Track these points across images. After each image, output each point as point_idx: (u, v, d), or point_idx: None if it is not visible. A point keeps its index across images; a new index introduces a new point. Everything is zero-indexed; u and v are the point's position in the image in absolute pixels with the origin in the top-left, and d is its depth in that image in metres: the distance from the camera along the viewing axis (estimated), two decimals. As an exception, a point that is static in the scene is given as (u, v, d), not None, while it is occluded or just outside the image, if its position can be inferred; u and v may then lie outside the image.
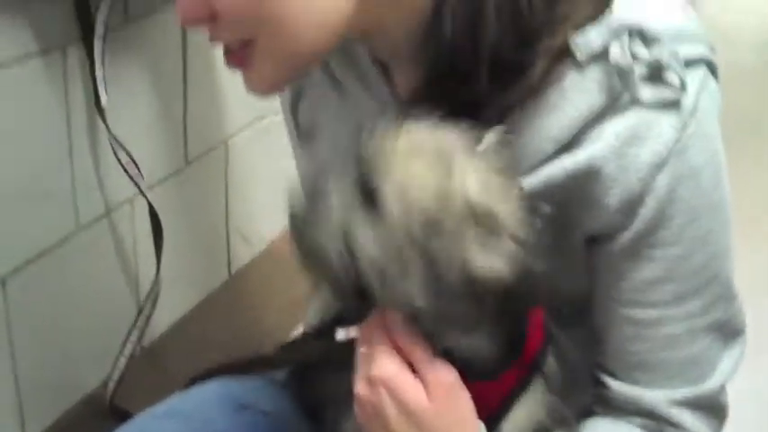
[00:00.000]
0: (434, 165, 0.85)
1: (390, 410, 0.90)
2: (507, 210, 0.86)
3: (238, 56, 0.96)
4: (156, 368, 1.76)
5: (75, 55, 1.46)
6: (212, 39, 0.97)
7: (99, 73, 1.45)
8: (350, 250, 0.84)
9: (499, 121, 0.95)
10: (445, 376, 0.90)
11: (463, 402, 0.91)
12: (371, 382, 0.91)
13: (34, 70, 1.40)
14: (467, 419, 0.91)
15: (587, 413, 1.04)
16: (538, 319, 0.95)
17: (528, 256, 0.85)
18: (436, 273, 0.84)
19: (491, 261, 0.84)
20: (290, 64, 0.97)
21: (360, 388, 0.92)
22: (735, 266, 1.02)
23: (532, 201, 0.89)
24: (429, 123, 0.88)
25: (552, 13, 0.94)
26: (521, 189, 0.89)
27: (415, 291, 0.84)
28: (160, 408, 1.15)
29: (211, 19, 0.94)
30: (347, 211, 0.86)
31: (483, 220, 0.84)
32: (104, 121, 1.49)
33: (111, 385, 1.66)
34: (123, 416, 1.62)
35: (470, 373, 0.90)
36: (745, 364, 1.06)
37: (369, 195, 0.85)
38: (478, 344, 0.90)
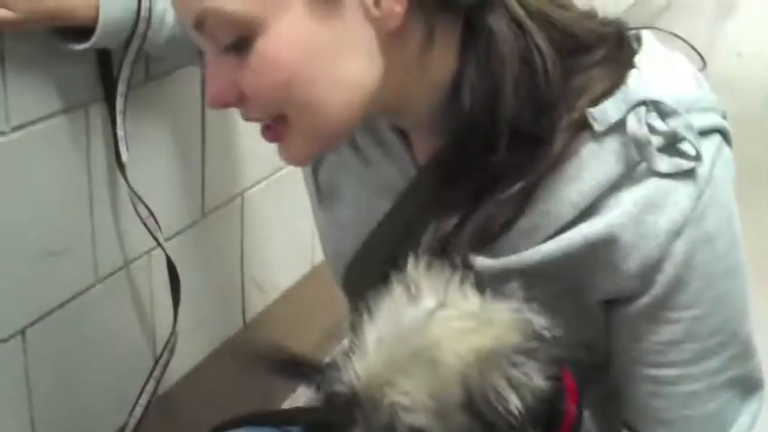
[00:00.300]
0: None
1: None
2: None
3: (273, 130, 1.00)
4: (171, 416, 1.79)
5: (97, 113, 1.50)
6: (245, 118, 1.01)
7: (120, 131, 1.49)
8: None
9: (521, 192, 0.99)
10: None
11: None
12: None
13: (58, 128, 1.44)
14: None
15: None
16: (571, 388, 0.96)
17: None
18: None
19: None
20: (321, 139, 1.01)
21: None
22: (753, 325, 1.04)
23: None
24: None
25: (568, 86, 0.98)
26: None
27: None
28: None
29: (240, 101, 0.98)
30: None
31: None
32: (125, 176, 1.53)
33: (127, 433, 1.68)
34: (138, 464, 1.65)
35: None
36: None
37: None
38: None
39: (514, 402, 0.85)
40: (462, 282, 0.92)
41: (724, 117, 1.03)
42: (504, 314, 0.89)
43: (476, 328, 0.87)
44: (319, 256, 2.27)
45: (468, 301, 0.90)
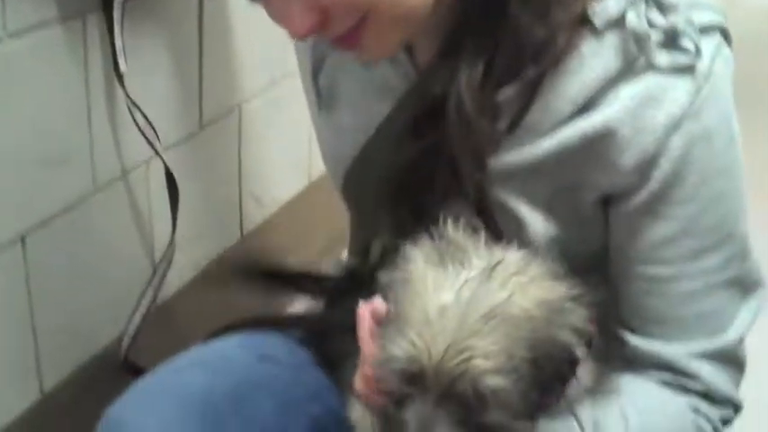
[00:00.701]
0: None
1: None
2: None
3: (351, 36, 0.99)
4: (169, 326, 1.81)
5: (94, 23, 1.49)
6: (323, 37, 1.00)
7: (118, 41, 1.49)
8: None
9: (525, 87, 0.99)
10: None
11: None
12: (367, 380, 0.95)
13: (55, 37, 1.43)
14: None
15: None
16: None
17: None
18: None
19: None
20: (408, 23, 1.00)
21: (358, 385, 0.97)
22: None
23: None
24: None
25: None
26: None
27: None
28: (182, 359, 1.19)
29: (321, 23, 0.97)
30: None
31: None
32: (123, 86, 1.53)
33: (126, 341, 1.71)
34: (136, 371, 1.67)
35: None
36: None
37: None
38: None
39: (577, 347, 0.88)
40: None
41: (725, 18, 1.03)
42: (547, 266, 0.91)
43: (531, 282, 0.89)
44: (317, 170, 2.29)
45: (511, 255, 0.92)
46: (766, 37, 4.20)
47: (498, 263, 0.89)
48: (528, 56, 0.99)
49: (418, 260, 0.91)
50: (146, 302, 1.71)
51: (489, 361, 0.84)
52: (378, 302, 0.96)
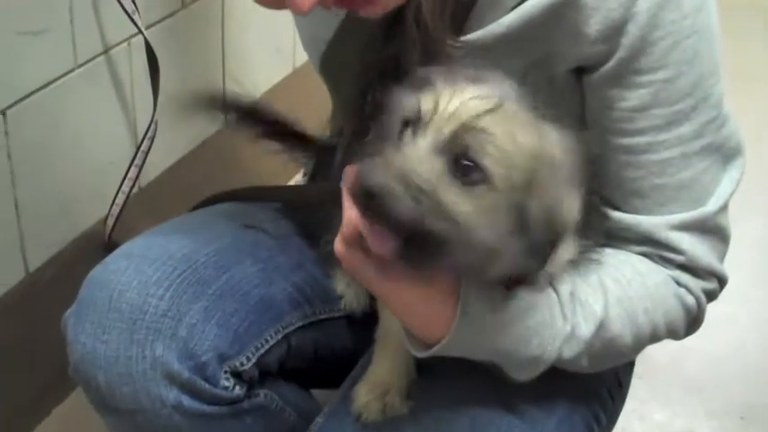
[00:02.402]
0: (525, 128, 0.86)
1: (367, 267, 0.93)
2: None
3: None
4: (152, 208, 1.79)
5: None
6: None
7: None
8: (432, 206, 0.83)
9: None
10: None
11: None
12: (346, 240, 0.93)
13: None
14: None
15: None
16: None
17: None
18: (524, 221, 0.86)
19: (574, 205, 0.88)
20: None
21: (338, 247, 0.95)
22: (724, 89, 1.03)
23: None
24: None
25: None
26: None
27: (494, 238, 0.85)
28: (166, 225, 1.19)
29: None
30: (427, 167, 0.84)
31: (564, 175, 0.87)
32: (102, -46, 1.49)
33: (110, 222, 1.70)
34: (121, 252, 1.67)
35: None
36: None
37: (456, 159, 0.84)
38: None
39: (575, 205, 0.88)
40: None
41: None
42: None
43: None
44: (301, 59, 2.25)
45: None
46: None
47: None
48: None
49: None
50: (129, 182, 1.70)
51: (492, 143, 0.83)
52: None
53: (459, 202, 0.83)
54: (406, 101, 0.87)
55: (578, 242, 0.99)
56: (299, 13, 0.92)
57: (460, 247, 0.85)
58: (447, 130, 0.83)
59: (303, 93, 1.77)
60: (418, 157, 0.83)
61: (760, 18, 3.54)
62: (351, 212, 0.90)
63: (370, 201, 0.82)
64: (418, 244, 0.84)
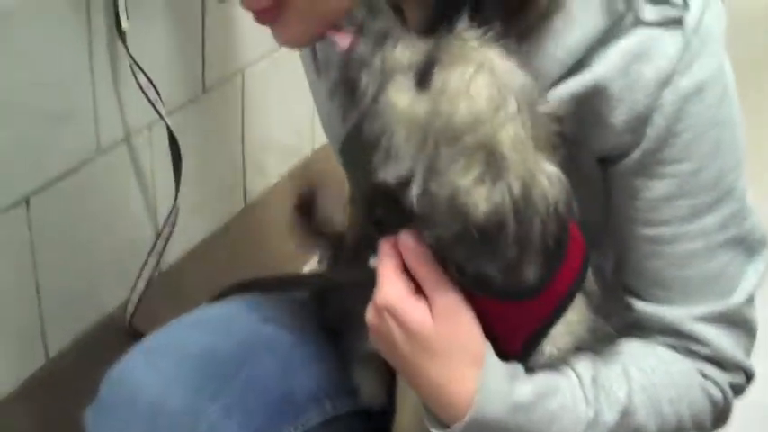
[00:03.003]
0: (492, 93, 0.87)
1: (396, 334, 0.94)
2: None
3: (270, 13, 0.99)
4: (172, 292, 1.80)
5: (96, -20, 1.48)
6: (246, 5, 1.00)
7: (121, -2, 1.47)
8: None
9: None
10: (449, 298, 0.93)
11: (466, 324, 0.94)
12: (378, 308, 0.95)
13: (57, -6, 1.42)
14: (470, 340, 0.94)
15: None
16: (577, 239, 0.96)
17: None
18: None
19: (480, 197, 0.86)
20: (321, 18, 0.99)
21: (369, 315, 0.96)
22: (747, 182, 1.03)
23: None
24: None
25: None
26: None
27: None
28: (185, 319, 1.19)
29: None
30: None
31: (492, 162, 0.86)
32: (125, 44, 1.51)
33: (130, 307, 1.70)
34: (141, 337, 1.66)
35: (506, 294, 0.93)
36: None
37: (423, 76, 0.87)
38: (510, 267, 0.91)
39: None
40: None
41: None
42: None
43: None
44: (320, 140, 2.28)
45: None
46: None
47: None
48: (512, 18, 0.96)
49: None
50: (150, 268, 1.70)
51: None
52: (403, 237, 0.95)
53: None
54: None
55: (592, 318, 0.99)
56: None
57: None
58: None
59: (322, 174, 1.78)
60: None
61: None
62: (385, 284, 0.92)
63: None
64: None
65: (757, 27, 3.83)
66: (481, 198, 0.85)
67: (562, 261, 0.94)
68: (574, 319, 0.97)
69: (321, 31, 1.01)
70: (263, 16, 1.01)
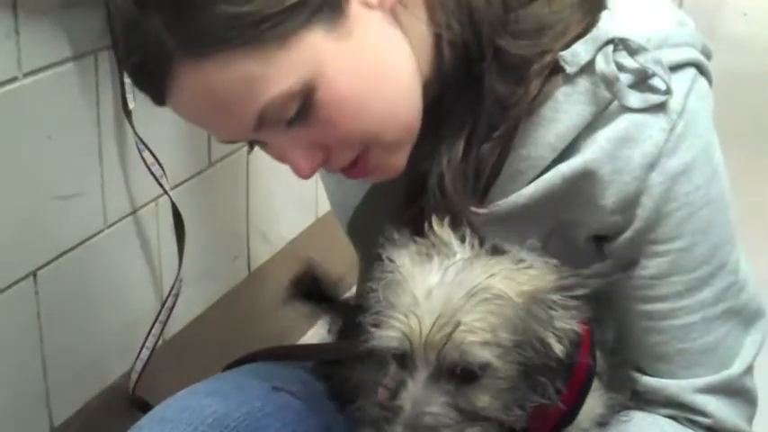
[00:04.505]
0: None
1: None
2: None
3: (362, 165, 1.03)
4: (176, 362, 1.82)
5: (105, 60, 1.52)
6: (335, 168, 1.03)
7: (127, 79, 1.51)
8: None
9: (502, 137, 1.01)
10: None
11: None
12: None
13: (68, 74, 1.46)
14: None
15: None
16: (584, 336, 0.98)
17: None
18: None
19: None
20: (409, 138, 1.03)
21: None
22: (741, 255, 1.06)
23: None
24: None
25: (541, 30, 1.01)
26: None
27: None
28: (200, 387, 1.20)
29: (325, 158, 1.00)
30: None
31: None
32: (131, 123, 1.55)
33: (134, 376, 1.72)
34: (144, 406, 1.68)
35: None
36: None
37: None
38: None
39: (556, 344, 0.90)
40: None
41: (705, 52, 1.05)
42: (537, 260, 0.92)
43: (516, 271, 0.91)
44: (323, 208, 2.30)
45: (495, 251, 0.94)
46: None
47: (477, 254, 0.92)
48: (505, 112, 1.02)
49: (404, 259, 0.93)
50: (153, 338, 1.72)
51: (475, 334, 0.86)
52: None
53: (478, 400, 0.88)
54: (386, 337, 0.90)
55: (608, 396, 1.02)
56: (301, 177, 0.99)
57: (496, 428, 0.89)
58: (432, 355, 0.87)
59: (326, 241, 1.80)
60: (424, 397, 0.88)
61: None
62: None
63: None
64: None
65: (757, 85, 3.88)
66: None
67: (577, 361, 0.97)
68: (593, 402, 1.00)
69: (410, 147, 1.05)
70: (356, 172, 1.04)
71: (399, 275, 0.92)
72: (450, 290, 0.87)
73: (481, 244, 0.94)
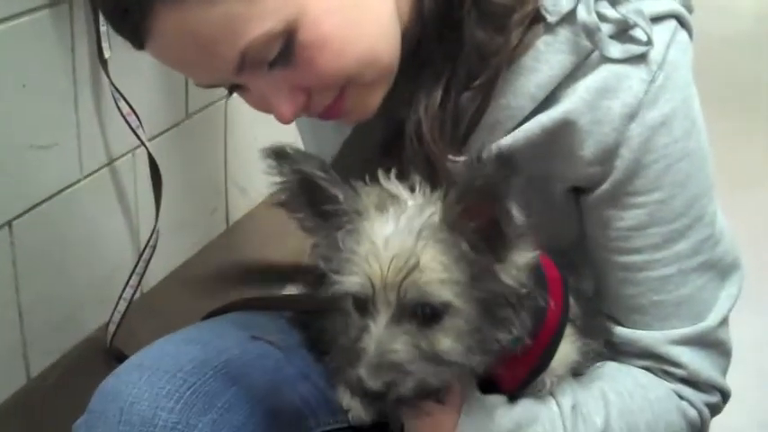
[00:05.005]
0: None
1: None
2: None
3: (336, 106, 1.02)
4: (153, 314, 1.82)
5: (80, 7, 1.50)
6: (316, 114, 1.02)
7: (103, 26, 1.49)
8: None
9: (483, 86, 1.01)
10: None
11: None
12: None
13: (42, 22, 1.44)
14: None
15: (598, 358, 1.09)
16: (554, 277, 1.00)
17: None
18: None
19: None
20: (385, 81, 1.02)
21: None
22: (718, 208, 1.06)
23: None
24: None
25: None
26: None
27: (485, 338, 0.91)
28: (178, 335, 1.20)
29: (305, 102, 1.00)
30: None
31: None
32: (107, 72, 1.54)
33: (111, 328, 1.72)
34: (121, 358, 1.67)
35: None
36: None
37: None
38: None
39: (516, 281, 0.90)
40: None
41: (686, 5, 1.04)
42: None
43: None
44: (302, 163, 2.29)
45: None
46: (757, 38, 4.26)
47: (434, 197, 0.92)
48: (484, 61, 1.01)
49: (363, 208, 0.93)
50: (131, 289, 1.72)
51: (432, 272, 0.87)
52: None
53: (440, 342, 0.88)
54: (347, 281, 0.91)
55: (583, 342, 1.03)
56: (283, 121, 0.99)
57: (461, 370, 0.90)
58: (392, 297, 0.88)
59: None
60: (387, 337, 0.88)
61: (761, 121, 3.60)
62: None
63: (379, 399, 0.89)
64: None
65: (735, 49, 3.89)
66: None
67: (546, 307, 0.97)
68: (566, 349, 1.01)
69: (386, 90, 1.04)
70: (330, 113, 1.03)
71: (359, 224, 0.92)
72: (404, 236, 0.88)
73: (432, 190, 0.94)
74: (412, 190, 0.94)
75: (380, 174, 0.95)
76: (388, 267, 0.87)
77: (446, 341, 0.88)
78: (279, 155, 0.96)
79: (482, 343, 0.90)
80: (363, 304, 0.91)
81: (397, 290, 0.87)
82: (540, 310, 0.96)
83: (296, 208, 0.97)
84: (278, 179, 0.96)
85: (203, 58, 0.95)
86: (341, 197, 0.93)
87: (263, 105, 1.02)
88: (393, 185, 0.94)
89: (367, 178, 0.96)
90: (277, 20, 0.92)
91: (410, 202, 0.92)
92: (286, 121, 1.01)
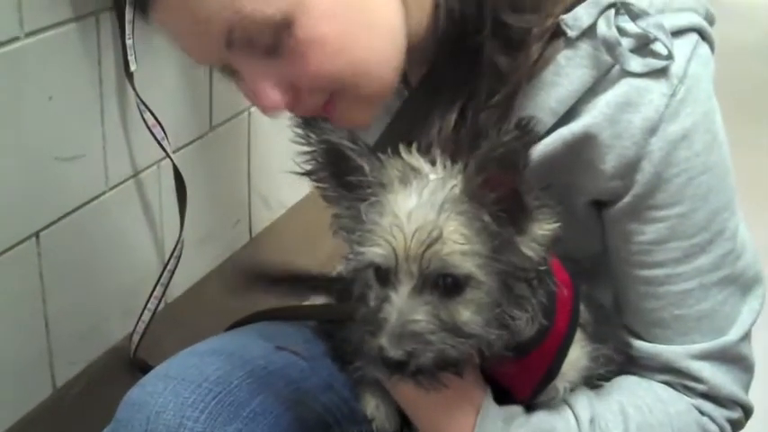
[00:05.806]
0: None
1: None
2: None
3: (328, 106, 1.02)
4: (177, 325, 1.83)
5: (107, 21, 1.52)
6: (302, 112, 1.01)
7: (129, 39, 1.51)
8: None
9: (503, 100, 1.01)
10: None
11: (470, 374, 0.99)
12: None
13: (69, 36, 1.46)
14: (473, 389, 1.00)
15: (618, 372, 1.09)
16: (565, 282, 0.99)
17: None
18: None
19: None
20: (379, 95, 1.03)
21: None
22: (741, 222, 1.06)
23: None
24: None
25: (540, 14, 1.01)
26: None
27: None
28: (203, 346, 1.21)
29: (294, 97, 1.00)
30: None
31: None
32: (132, 84, 1.55)
33: (136, 338, 1.74)
34: (146, 368, 1.69)
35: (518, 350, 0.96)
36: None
37: None
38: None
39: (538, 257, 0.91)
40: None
41: (708, 18, 1.04)
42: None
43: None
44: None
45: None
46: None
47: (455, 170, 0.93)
48: (504, 78, 1.01)
49: (387, 181, 0.93)
50: (155, 300, 1.73)
51: (455, 244, 0.88)
52: None
53: (461, 314, 0.89)
54: (370, 252, 0.91)
55: (593, 347, 1.03)
56: (264, 109, 1.01)
57: (479, 343, 0.91)
58: (414, 267, 0.89)
59: (326, 208, 1.81)
60: (408, 307, 0.89)
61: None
62: None
63: (399, 369, 0.89)
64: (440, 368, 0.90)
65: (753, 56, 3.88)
66: None
67: (555, 311, 0.97)
68: (577, 354, 1.01)
69: (380, 105, 1.05)
70: (322, 112, 1.02)
71: (383, 197, 0.93)
72: (426, 209, 0.89)
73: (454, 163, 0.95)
74: (433, 164, 0.94)
75: (402, 148, 0.96)
76: (412, 238, 0.88)
77: (466, 313, 0.89)
78: (308, 124, 0.97)
79: (501, 318, 0.91)
80: (385, 275, 0.91)
81: (420, 261, 0.88)
82: (549, 312, 0.96)
83: (321, 177, 0.97)
84: (306, 148, 0.96)
85: (195, 28, 0.97)
86: (367, 168, 0.93)
87: (250, 92, 1.02)
88: (414, 159, 0.95)
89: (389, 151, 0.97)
90: (276, 8, 0.93)
91: (432, 176, 0.93)
92: (267, 109, 1.01)
